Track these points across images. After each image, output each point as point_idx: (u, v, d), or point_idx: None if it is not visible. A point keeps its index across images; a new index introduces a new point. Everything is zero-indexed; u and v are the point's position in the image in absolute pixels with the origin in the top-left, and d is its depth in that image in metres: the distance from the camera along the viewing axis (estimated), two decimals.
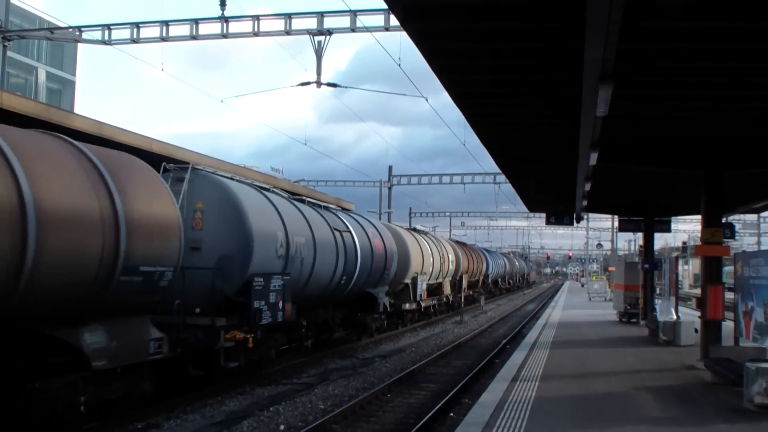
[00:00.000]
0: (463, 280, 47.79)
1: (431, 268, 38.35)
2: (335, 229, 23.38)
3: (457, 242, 56.71)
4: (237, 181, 18.58)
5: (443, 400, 16.46)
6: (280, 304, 18.02)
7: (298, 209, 21.21)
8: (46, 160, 11.38)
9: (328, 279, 22.63)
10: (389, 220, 50.42)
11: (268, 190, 20.21)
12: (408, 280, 33.78)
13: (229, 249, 16.68)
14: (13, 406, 11.20)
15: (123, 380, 12.98)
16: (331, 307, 24.17)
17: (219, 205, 16.85)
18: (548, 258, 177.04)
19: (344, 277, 23.83)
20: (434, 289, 40.72)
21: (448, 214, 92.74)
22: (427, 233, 44.57)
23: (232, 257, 16.65)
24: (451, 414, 15.62)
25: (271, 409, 15.47)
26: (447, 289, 43.58)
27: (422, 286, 35.90)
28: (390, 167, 61.34)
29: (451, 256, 45.34)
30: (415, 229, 42.20)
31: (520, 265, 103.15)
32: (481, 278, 61.00)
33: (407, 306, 33.80)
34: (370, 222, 29.22)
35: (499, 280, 77.14)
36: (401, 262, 31.76)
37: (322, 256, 21.54)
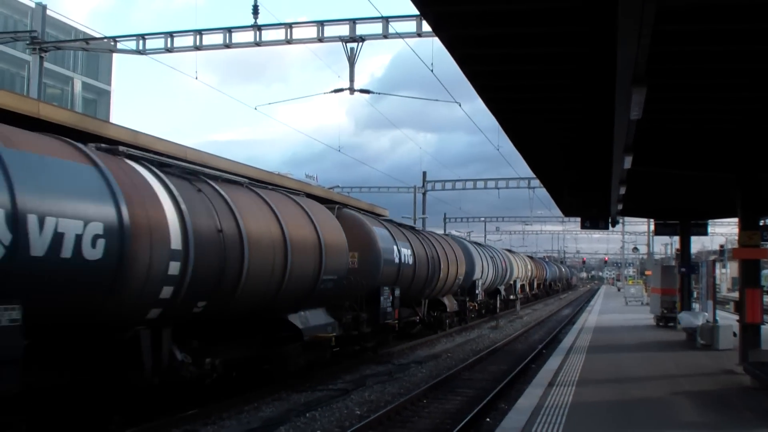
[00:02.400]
0: (534, 282, 74.33)
1: (521, 274, 62.80)
2: (491, 257, 48.24)
3: (529, 256, 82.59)
4: (469, 241, 47.80)
5: (479, 406, 16.41)
6: (482, 292, 43.20)
7: (483, 251, 46.70)
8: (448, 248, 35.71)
9: (491, 282, 47.92)
10: (423, 226, 50.43)
11: (473, 242, 48.43)
12: (512, 282, 57.08)
13: (467, 271, 38.19)
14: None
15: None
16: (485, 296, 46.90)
17: (464, 253, 38.82)
18: (584, 262, 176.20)
19: (495, 280, 49.25)
20: (521, 287, 62.22)
21: (482, 219, 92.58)
22: (515, 252, 72.64)
23: (468, 273, 38.52)
24: (488, 419, 15.58)
25: (307, 415, 15.51)
26: (527, 288, 67.84)
27: (518, 285, 59.33)
28: (424, 173, 61.24)
29: (529, 266, 70.13)
30: (510, 251, 67.87)
31: (565, 271, 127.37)
32: (542, 281, 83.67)
33: (512, 297, 56.57)
34: (498, 249, 58.88)
35: (552, 283, 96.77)
36: (509, 272, 55.37)
37: (490, 270, 46.61)
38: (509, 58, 12.50)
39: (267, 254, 15.45)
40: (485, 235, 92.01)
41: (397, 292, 24.93)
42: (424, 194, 60.15)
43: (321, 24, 26.54)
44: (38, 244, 9.78)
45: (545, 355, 25.25)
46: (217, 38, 27.98)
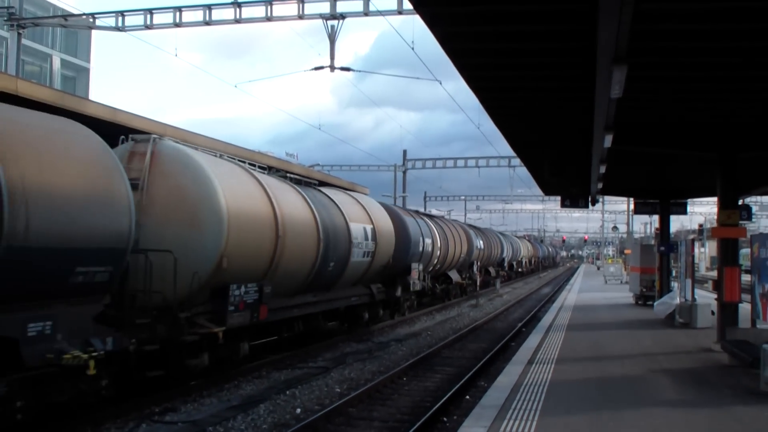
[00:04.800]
0: (532, 259, 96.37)
1: (525, 253, 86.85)
2: (510, 242, 72.33)
3: (528, 238, 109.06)
4: (499, 232, 75.24)
5: (459, 384, 16.51)
6: (507, 265, 68.30)
7: (505, 238, 72.03)
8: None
9: (510, 258, 70.83)
10: (404, 205, 50.53)
11: (500, 232, 76.83)
12: (519, 259, 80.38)
13: (500, 252, 63.91)
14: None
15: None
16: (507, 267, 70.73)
17: (498, 240, 65.49)
18: (564, 241, 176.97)
19: (512, 257, 71.89)
20: (522, 263, 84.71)
21: (463, 198, 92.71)
22: (521, 237, 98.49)
23: (500, 253, 64.21)
24: (467, 397, 15.65)
25: (287, 392, 15.55)
26: (526, 263, 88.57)
27: (524, 261, 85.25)
28: (404, 151, 61.26)
29: (529, 247, 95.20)
30: (518, 236, 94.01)
31: (552, 251, 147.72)
32: (536, 258, 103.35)
33: (520, 269, 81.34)
34: (511, 236, 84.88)
35: (543, 260, 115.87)
36: (519, 251, 79.60)
37: (510, 251, 70.03)
38: (490, 36, 12.43)
39: (456, 250, 41.00)
40: (465, 214, 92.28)
41: (479, 263, 50.67)
42: (404, 173, 60.19)
43: (301, 1, 26.36)
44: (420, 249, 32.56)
45: (525, 333, 25.36)
46: (197, 15, 27.80)
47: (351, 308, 24.90)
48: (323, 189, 23.35)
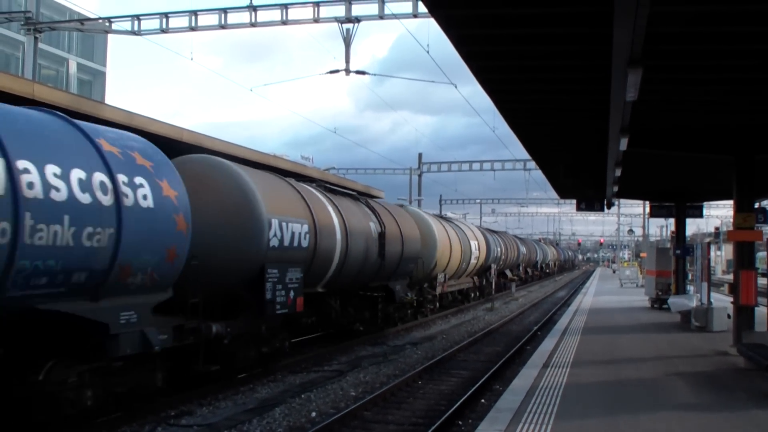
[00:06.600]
0: (556, 262, 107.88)
1: (551, 257, 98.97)
2: (541, 248, 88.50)
3: (551, 243, 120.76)
4: (534, 240, 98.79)
5: (474, 387, 16.46)
6: (540, 266, 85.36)
7: (537, 244, 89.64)
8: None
9: (541, 261, 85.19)
10: (419, 208, 50.50)
11: (534, 240, 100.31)
12: (548, 261, 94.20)
13: (535, 256, 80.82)
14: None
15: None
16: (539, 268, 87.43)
17: (533, 246, 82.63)
18: (579, 244, 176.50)
19: (542, 260, 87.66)
20: (549, 265, 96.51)
21: (478, 201, 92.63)
22: (550, 243, 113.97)
23: (535, 257, 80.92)
24: (483, 400, 15.62)
25: (302, 396, 15.55)
26: (552, 266, 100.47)
27: (551, 264, 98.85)
28: (420, 154, 61.28)
29: (555, 251, 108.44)
30: (544, 242, 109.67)
31: (572, 255, 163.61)
32: (559, 261, 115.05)
33: (547, 270, 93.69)
34: (540, 242, 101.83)
35: (564, 262, 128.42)
36: (548, 256, 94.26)
37: (541, 255, 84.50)
38: (505, 39, 12.42)
39: (510, 255, 56.54)
40: (481, 217, 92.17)
41: (523, 265, 65.46)
42: (420, 176, 60.19)
43: (317, 5, 26.46)
44: (494, 255, 50.08)
45: (540, 337, 25.31)
46: (213, 19, 27.91)
47: (466, 290, 42.54)
48: (456, 221, 43.76)
